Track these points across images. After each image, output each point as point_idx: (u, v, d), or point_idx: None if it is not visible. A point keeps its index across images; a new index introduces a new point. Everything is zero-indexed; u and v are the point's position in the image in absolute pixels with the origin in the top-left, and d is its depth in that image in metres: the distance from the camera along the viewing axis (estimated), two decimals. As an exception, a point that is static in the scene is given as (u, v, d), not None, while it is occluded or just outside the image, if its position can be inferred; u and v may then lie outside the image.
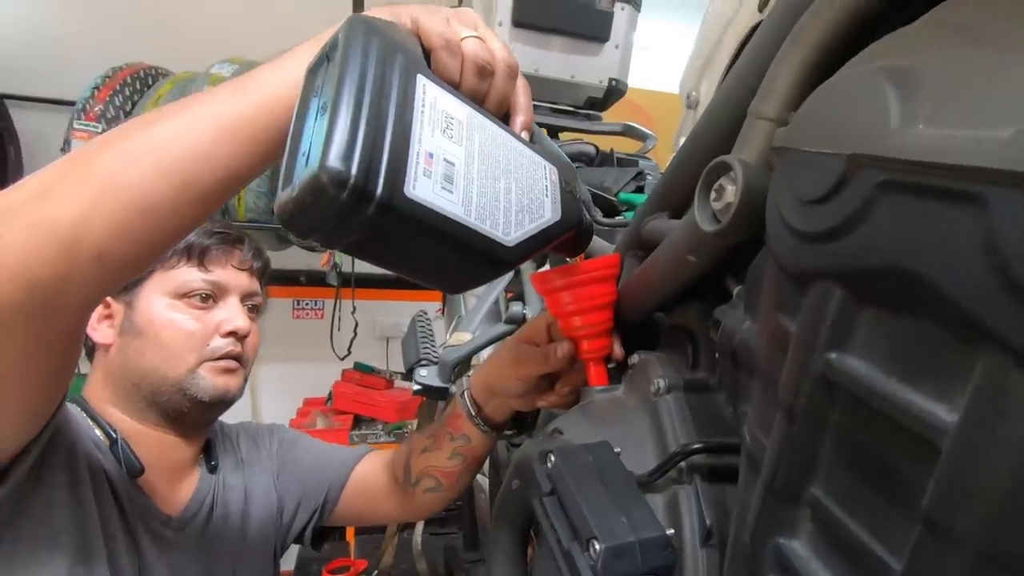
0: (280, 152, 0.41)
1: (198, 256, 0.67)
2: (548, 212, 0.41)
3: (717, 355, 0.39)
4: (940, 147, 0.18)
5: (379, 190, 0.31)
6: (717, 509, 0.37)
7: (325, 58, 0.36)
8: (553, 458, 0.32)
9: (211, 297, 0.68)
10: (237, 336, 0.68)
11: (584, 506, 0.28)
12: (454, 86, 0.39)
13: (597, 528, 0.27)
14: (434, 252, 0.35)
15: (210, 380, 0.66)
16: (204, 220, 0.44)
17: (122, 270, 0.40)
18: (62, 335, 0.42)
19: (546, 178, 0.42)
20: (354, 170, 0.30)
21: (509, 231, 0.38)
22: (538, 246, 0.40)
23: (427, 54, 0.39)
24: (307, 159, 0.32)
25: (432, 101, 0.36)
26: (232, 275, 0.70)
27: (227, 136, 0.39)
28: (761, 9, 0.43)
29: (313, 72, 0.37)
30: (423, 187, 0.33)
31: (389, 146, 0.32)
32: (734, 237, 0.35)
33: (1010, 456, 0.17)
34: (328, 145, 0.30)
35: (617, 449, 0.34)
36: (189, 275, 0.67)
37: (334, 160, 0.30)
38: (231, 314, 0.68)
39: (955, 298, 0.18)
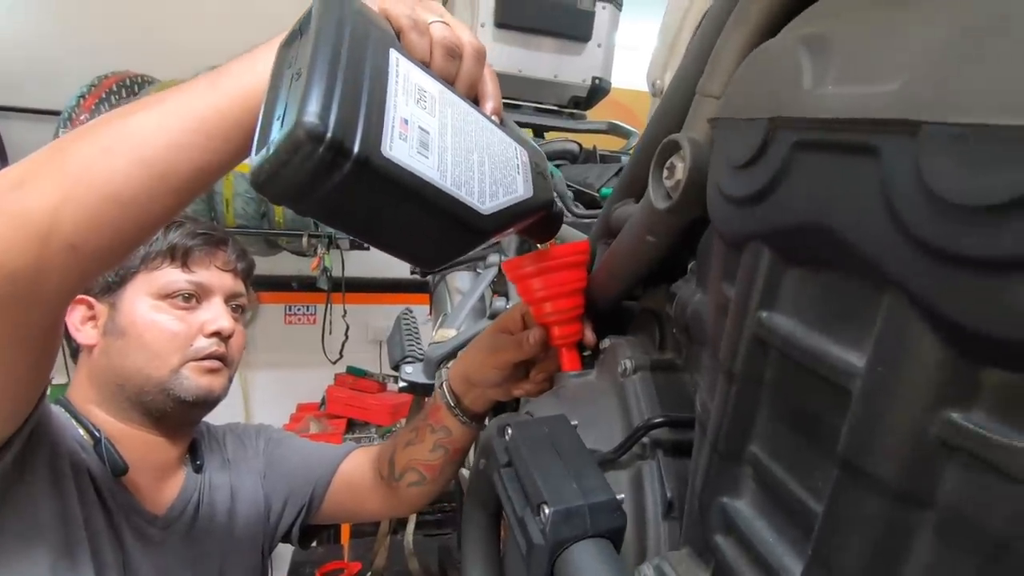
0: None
1: (181, 257, 0.67)
2: (521, 188, 0.42)
3: (674, 330, 0.40)
4: (842, 104, 0.19)
5: (356, 146, 0.31)
6: (679, 482, 0.38)
7: (298, 32, 0.37)
8: (510, 431, 0.33)
9: (195, 297, 0.68)
10: (221, 336, 0.69)
11: (536, 474, 0.29)
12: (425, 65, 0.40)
13: (547, 493, 0.28)
14: (410, 216, 0.35)
15: (194, 380, 0.66)
16: (178, 212, 0.44)
17: (97, 261, 0.41)
18: (39, 326, 0.42)
19: (517, 158, 0.43)
20: (332, 124, 0.30)
21: (484, 200, 0.38)
22: (512, 220, 0.41)
23: (397, 36, 0.40)
24: (282, 121, 0.32)
25: (405, 74, 0.37)
26: (216, 276, 0.70)
27: (202, 128, 0.40)
28: (712, -6, 0.44)
29: (286, 46, 0.38)
30: (399, 149, 0.33)
31: (365, 106, 0.32)
32: (686, 213, 0.35)
33: (912, 391, 0.18)
34: (305, 102, 0.30)
35: (574, 422, 0.35)
36: (172, 276, 0.67)
37: (311, 115, 0.29)
38: (215, 314, 0.68)
39: (858, 246, 0.19)
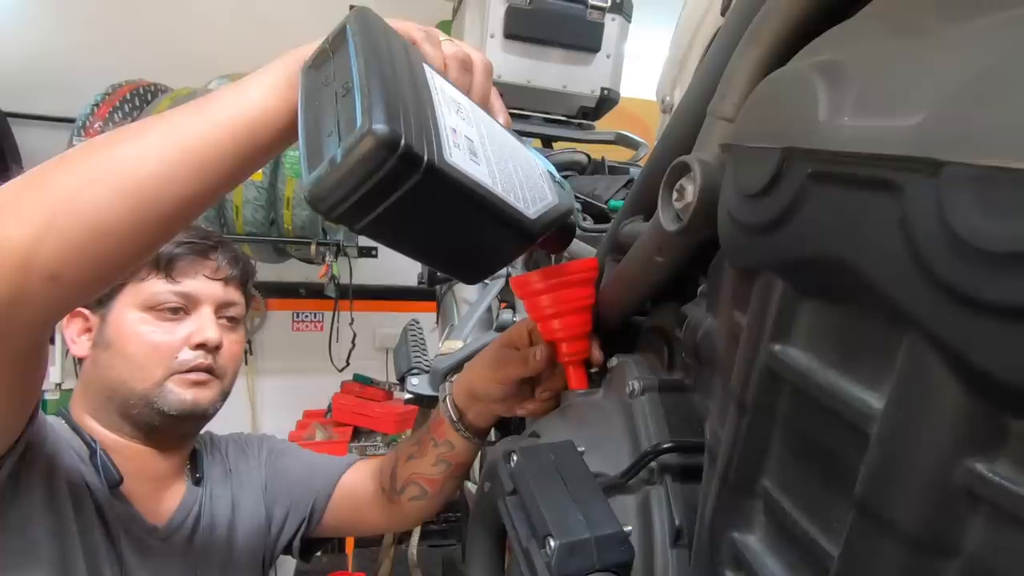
0: (240, 177, 0.41)
1: (165, 267, 0.66)
2: (550, 195, 0.41)
3: (683, 353, 0.39)
4: (860, 137, 0.19)
5: (425, 153, 0.30)
6: (687, 509, 0.37)
7: (328, 52, 0.36)
8: (516, 457, 0.32)
9: (182, 309, 0.67)
10: (207, 348, 0.67)
11: (542, 504, 0.28)
12: None
13: (552, 525, 0.27)
14: (470, 224, 0.35)
15: (178, 393, 0.65)
16: (163, 243, 0.43)
17: (79, 291, 0.40)
18: (19, 354, 0.41)
19: (538, 168, 0.43)
20: (403, 131, 0.29)
21: (528, 207, 0.37)
22: (548, 227, 0.40)
23: None
24: (339, 137, 0.31)
25: (440, 86, 0.37)
26: (203, 285, 0.68)
27: (188, 157, 0.38)
28: (723, 13, 0.44)
29: (316, 67, 0.38)
30: (458, 156, 0.33)
31: (426, 116, 0.32)
32: (696, 236, 0.35)
33: (934, 438, 0.17)
34: (371, 112, 0.29)
35: (581, 448, 0.35)
36: (157, 287, 0.65)
37: (381, 123, 0.29)
38: (201, 326, 0.67)
39: (877, 284, 0.18)
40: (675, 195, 0.35)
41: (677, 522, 0.36)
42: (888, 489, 0.18)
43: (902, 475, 0.18)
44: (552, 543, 0.27)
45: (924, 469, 0.17)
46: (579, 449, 0.34)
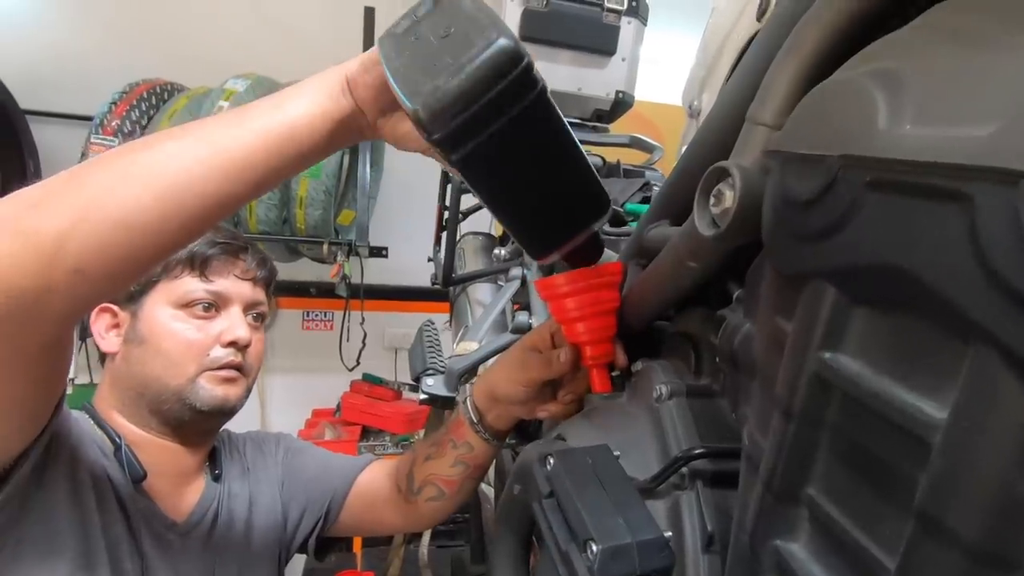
0: (265, 186, 0.42)
1: (200, 266, 0.68)
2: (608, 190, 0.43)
3: (717, 358, 0.39)
4: (925, 146, 0.19)
5: (539, 77, 0.31)
6: (719, 515, 0.37)
7: (412, 15, 0.38)
8: (552, 460, 0.32)
9: (213, 307, 0.68)
10: (237, 346, 0.68)
11: (582, 508, 0.28)
12: None
13: (594, 529, 0.27)
14: (559, 170, 0.36)
15: (209, 389, 0.66)
16: (188, 243, 0.44)
17: (104, 285, 0.40)
18: (45, 345, 0.42)
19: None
20: (525, 51, 0.31)
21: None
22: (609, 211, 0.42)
23: None
24: (452, 60, 0.31)
25: None
26: (234, 285, 0.70)
27: (222, 163, 0.39)
28: (759, 18, 0.44)
29: (400, 32, 0.38)
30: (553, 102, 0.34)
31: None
32: (733, 242, 0.35)
33: (1000, 450, 0.17)
34: (498, 28, 0.30)
35: (616, 452, 0.35)
36: (191, 285, 0.67)
37: (509, 39, 0.30)
38: (232, 324, 0.69)
39: (943, 293, 0.18)
40: (712, 200, 0.35)
41: (709, 528, 0.36)
42: (950, 499, 0.18)
43: (966, 485, 0.18)
44: (594, 547, 0.27)
45: (989, 480, 0.17)
46: (615, 453, 0.34)
